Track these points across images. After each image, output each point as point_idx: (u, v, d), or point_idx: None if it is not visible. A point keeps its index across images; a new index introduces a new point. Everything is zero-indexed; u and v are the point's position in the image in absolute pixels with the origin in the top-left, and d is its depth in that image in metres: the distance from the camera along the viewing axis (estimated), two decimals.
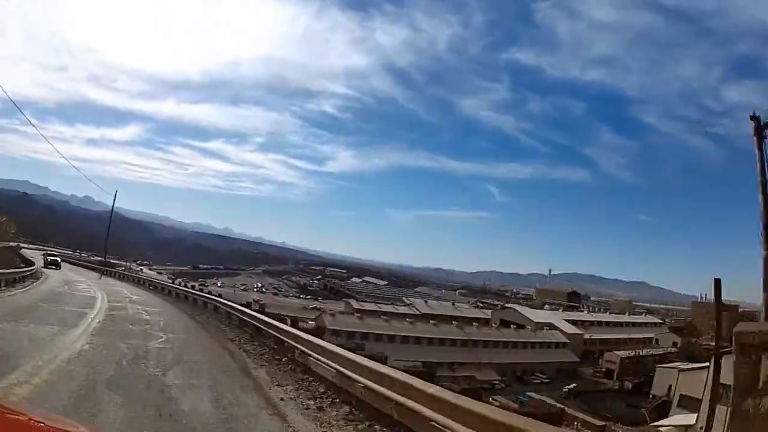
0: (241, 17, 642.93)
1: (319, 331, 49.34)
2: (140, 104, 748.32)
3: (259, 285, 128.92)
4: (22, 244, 66.91)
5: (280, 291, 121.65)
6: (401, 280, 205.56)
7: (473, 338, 58.98)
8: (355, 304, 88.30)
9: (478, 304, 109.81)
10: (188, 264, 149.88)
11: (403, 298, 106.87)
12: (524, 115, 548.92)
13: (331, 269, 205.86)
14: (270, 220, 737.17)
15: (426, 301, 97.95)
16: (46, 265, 41.33)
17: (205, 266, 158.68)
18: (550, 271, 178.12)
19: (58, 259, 47.27)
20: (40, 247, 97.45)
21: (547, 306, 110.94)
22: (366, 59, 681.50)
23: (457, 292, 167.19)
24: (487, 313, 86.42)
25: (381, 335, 54.08)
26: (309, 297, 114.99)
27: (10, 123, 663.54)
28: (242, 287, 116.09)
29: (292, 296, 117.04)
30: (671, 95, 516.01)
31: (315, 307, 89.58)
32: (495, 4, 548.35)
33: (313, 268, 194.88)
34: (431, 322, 61.64)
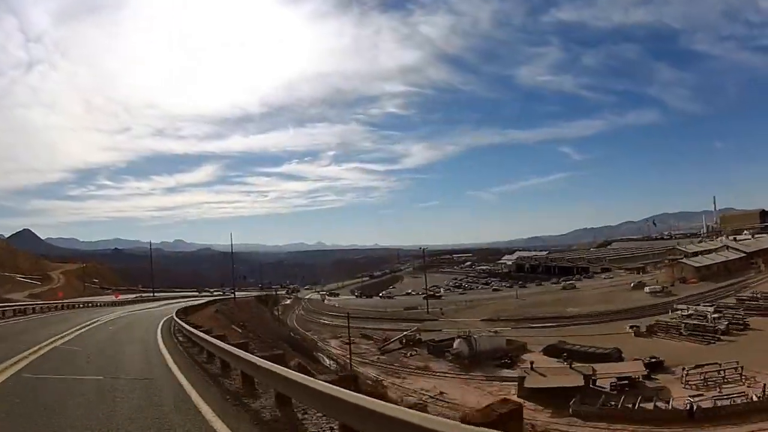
0: (286, 41, 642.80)
1: None
2: (208, 145, 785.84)
3: (454, 284, 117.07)
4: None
5: (488, 285, 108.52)
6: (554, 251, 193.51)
7: None
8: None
9: None
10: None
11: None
12: (581, 70, 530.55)
13: (456, 256, 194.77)
14: (358, 226, 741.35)
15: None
16: None
17: (378, 273, 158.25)
18: (714, 198, 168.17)
19: None
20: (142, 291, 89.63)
21: (746, 232, 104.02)
22: (417, 53, 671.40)
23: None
24: None
25: None
26: (516, 284, 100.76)
27: (87, 191, 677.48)
28: (437, 290, 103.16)
29: (505, 287, 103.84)
30: (714, 18, 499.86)
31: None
32: None
33: (442, 258, 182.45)
34: None
